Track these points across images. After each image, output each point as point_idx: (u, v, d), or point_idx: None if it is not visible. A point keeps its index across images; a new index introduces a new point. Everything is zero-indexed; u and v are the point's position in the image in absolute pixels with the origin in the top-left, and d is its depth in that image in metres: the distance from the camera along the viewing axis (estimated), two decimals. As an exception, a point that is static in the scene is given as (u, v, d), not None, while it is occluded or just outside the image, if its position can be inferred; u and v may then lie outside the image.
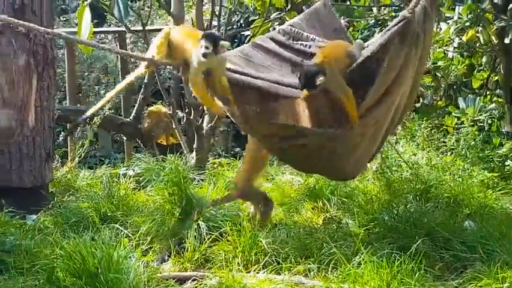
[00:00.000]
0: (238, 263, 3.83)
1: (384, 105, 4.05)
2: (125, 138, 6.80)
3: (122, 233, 4.11)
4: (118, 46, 7.65)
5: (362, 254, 3.50)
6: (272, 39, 4.41)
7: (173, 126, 6.14)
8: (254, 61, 4.27)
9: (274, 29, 6.05)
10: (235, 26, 8.66)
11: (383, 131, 4.27)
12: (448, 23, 6.14)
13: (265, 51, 4.32)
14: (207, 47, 3.77)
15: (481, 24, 5.98)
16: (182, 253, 4.01)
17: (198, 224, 4.12)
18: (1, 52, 4.84)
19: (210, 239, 4.04)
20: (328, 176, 4.61)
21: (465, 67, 7.10)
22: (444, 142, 6.25)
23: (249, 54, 4.30)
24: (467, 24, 6.01)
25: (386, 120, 4.21)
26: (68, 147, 6.48)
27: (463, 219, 4.47)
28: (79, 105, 7.73)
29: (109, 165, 6.30)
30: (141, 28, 5.87)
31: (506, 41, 5.90)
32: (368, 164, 5.18)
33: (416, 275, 3.38)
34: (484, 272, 3.56)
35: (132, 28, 6.86)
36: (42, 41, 4.93)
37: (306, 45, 4.32)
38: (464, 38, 6.23)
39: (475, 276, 3.54)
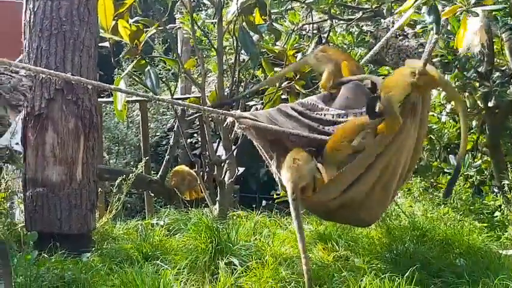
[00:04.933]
0: (263, 292, 4.55)
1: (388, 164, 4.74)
2: (152, 194, 7.52)
3: (163, 267, 4.85)
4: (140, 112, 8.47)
5: (367, 277, 4.23)
6: (292, 108, 5.07)
7: (198, 182, 6.85)
8: (278, 123, 4.93)
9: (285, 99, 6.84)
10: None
11: (392, 185, 4.97)
12: (439, 89, 6.86)
13: (287, 115, 4.96)
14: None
15: (467, 90, 6.74)
16: (216, 283, 4.72)
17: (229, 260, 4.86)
18: (53, 116, 5.56)
19: (238, 272, 4.77)
20: (351, 223, 5.35)
21: (457, 130, 7.80)
22: (438, 196, 6.93)
23: (274, 117, 4.95)
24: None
25: (394, 176, 4.87)
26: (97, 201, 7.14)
27: (454, 257, 5.17)
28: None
29: (138, 219, 6.98)
30: (169, 97, 6.59)
31: (490, 104, 6.65)
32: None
33: (412, 294, 4.11)
34: (469, 293, 4.30)
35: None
36: (88, 107, 5.67)
37: (322, 113, 5.01)
38: (453, 103, 6.96)
39: (461, 297, 4.27)
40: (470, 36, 4.53)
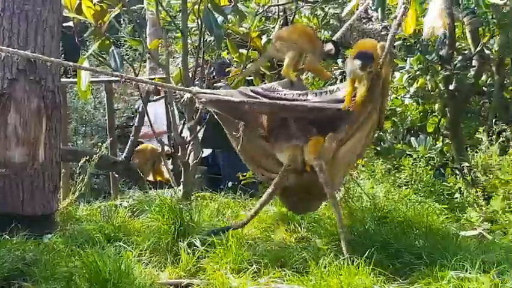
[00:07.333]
0: (225, 272, 4.58)
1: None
2: (117, 175, 7.53)
3: (125, 249, 4.87)
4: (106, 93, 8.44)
5: (326, 259, 4.30)
6: (252, 90, 5.15)
7: (162, 163, 6.87)
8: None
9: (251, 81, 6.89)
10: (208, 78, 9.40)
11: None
12: (401, 72, 6.94)
13: (246, 96, 5.02)
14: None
15: (429, 73, 6.82)
16: (178, 264, 4.76)
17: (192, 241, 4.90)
18: (16, 97, 5.49)
19: (200, 252, 4.81)
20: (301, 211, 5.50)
21: (420, 113, 7.89)
22: (400, 178, 7.00)
23: (233, 95, 5.04)
24: (418, 73, 6.84)
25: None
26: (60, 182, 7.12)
27: (414, 238, 5.24)
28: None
29: (102, 200, 6.97)
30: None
31: (451, 87, 6.74)
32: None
33: (371, 274, 4.18)
34: (427, 274, 4.36)
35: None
36: (51, 88, 5.61)
37: (282, 93, 5.09)
38: (415, 85, 7.06)
39: (419, 277, 4.34)
40: (431, 20, 4.59)
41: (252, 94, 5.02)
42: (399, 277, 4.49)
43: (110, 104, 8.16)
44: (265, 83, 5.98)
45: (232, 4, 6.36)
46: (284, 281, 4.41)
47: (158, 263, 4.82)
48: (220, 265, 4.65)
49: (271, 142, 5.04)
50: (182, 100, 5.32)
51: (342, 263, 4.24)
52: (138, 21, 10.33)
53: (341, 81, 8.49)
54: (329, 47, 5.39)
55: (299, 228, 5.57)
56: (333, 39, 5.96)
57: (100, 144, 11.88)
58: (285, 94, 5.05)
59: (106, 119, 10.66)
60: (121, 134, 11.69)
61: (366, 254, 4.35)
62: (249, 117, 5.00)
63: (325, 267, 4.23)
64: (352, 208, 5.82)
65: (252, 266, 4.62)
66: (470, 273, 4.14)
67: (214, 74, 9.49)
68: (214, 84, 8.53)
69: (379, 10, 4.59)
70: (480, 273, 4.12)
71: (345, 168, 5.14)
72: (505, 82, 7.35)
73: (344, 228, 4.83)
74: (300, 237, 5.40)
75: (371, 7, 6.17)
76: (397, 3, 4.63)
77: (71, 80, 8.49)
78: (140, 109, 7.91)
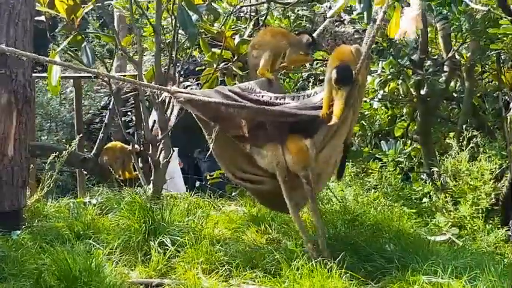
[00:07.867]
0: (196, 273, 4.56)
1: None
2: (85, 172, 7.45)
3: (95, 247, 4.82)
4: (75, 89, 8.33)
5: (299, 261, 4.29)
6: (230, 90, 5.08)
7: (132, 161, 6.79)
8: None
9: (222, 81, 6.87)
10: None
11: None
12: (373, 76, 6.97)
13: (224, 96, 4.94)
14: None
15: (401, 78, 6.85)
16: (148, 263, 4.72)
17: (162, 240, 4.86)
18: (-15, 91, 5.42)
19: (170, 251, 4.78)
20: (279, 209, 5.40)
21: (388, 117, 7.92)
22: (369, 181, 7.03)
23: (211, 96, 4.95)
24: (389, 77, 6.86)
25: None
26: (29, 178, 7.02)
27: (384, 242, 5.26)
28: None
29: (70, 197, 6.88)
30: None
31: (422, 92, 6.77)
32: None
33: (343, 277, 4.19)
34: (399, 278, 4.38)
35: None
36: (22, 82, 5.54)
37: (260, 95, 5.05)
38: (386, 89, 7.08)
39: (391, 281, 4.35)
40: (405, 23, 4.59)
41: (230, 94, 4.98)
42: (371, 281, 4.50)
43: (78, 101, 8.04)
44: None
45: (206, 3, 6.33)
46: (256, 282, 4.40)
47: (129, 261, 4.78)
48: (192, 265, 4.63)
49: (249, 142, 4.99)
50: (160, 99, 5.26)
51: (314, 265, 4.23)
52: (105, 17, 10.30)
53: (309, 82, 8.53)
54: (305, 38, 5.42)
55: (270, 229, 5.56)
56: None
57: (64, 140, 11.84)
58: (262, 96, 5.01)
59: (71, 115, 10.60)
60: (86, 130, 11.60)
61: (338, 258, 4.36)
62: (226, 117, 4.94)
63: (297, 269, 4.22)
64: (322, 211, 5.82)
65: (223, 266, 4.61)
66: (442, 278, 4.17)
67: (181, 73, 9.48)
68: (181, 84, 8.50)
69: (365, 14, 4.58)
70: (452, 279, 4.15)
71: (324, 174, 5.09)
72: (474, 89, 7.41)
73: (324, 236, 4.80)
74: (271, 238, 5.39)
75: (351, 9, 6.19)
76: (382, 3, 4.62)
77: (37, 75, 8.37)
78: (110, 106, 7.82)
